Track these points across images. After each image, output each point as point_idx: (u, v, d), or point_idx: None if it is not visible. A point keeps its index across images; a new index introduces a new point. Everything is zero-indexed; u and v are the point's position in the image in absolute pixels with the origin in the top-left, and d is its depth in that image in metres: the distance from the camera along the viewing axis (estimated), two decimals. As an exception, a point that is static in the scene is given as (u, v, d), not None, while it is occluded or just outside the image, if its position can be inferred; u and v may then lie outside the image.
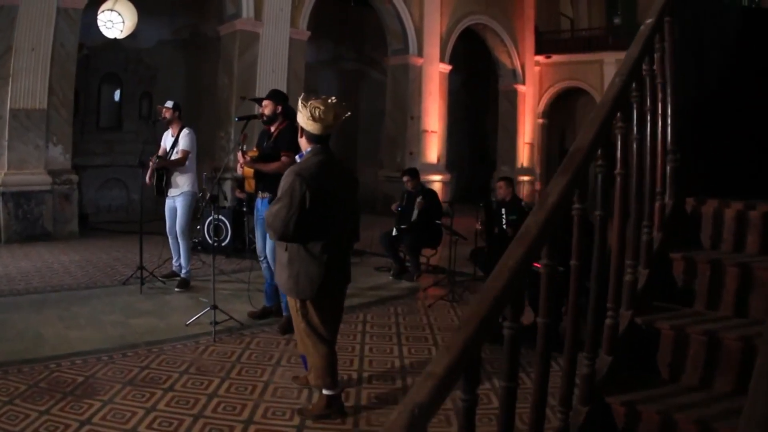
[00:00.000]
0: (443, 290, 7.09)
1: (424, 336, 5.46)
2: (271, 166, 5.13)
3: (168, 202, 6.82)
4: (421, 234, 7.78)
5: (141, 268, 6.61)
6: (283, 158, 5.12)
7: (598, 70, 19.30)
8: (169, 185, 6.73)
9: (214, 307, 5.18)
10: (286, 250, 3.48)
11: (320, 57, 16.97)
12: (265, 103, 5.33)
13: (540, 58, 20.47)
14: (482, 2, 18.12)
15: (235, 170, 9.54)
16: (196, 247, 9.05)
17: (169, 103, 6.86)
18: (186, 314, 5.62)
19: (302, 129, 3.47)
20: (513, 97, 20.18)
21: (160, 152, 6.94)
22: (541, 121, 21.05)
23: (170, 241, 6.94)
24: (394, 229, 7.93)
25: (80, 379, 4.06)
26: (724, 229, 2.86)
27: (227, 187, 11.04)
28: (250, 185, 5.35)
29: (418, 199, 7.79)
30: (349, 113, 3.56)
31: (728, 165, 3.24)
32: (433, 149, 17.00)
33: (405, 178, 8.12)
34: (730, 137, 3.39)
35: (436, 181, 16.94)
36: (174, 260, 7.03)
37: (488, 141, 22.78)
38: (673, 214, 2.90)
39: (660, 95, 2.86)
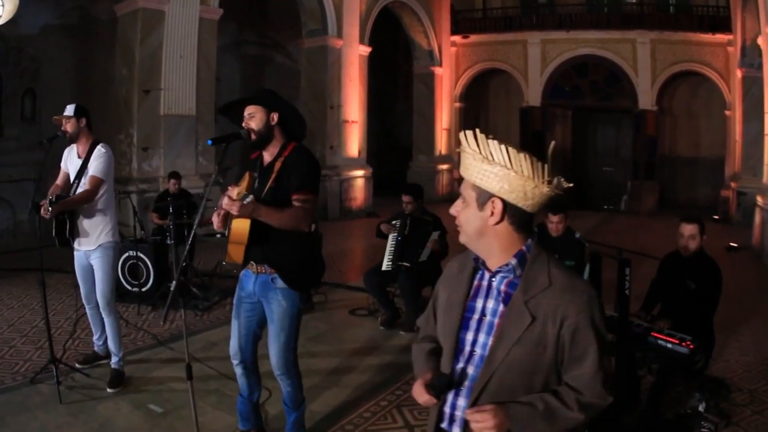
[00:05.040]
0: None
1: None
2: (283, 216, 3.08)
3: (78, 258, 4.61)
4: (424, 273, 6.07)
5: (54, 362, 4.44)
6: (297, 202, 3.13)
7: (522, 50, 18.23)
8: (76, 232, 4.49)
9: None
10: None
11: (222, 41, 14.68)
12: (249, 111, 3.21)
13: (457, 39, 19.13)
14: (400, -24, 16.49)
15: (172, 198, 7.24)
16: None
17: (69, 110, 4.51)
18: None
19: (508, 208, 1.73)
20: (429, 80, 18.76)
21: (60, 180, 4.66)
22: (458, 105, 19.79)
23: (88, 311, 4.79)
24: (387, 262, 6.15)
25: None
26: None
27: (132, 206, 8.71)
28: (236, 254, 3.19)
29: (434, 236, 6.03)
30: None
31: None
32: (354, 141, 15.30)
33: (406, 199, 6.20)
34: None
35: (359, 177, 15.34)
36: (95, 337, 4.90)
37: (399, 128, 21.36)
38: None
39: None
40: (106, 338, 4.84)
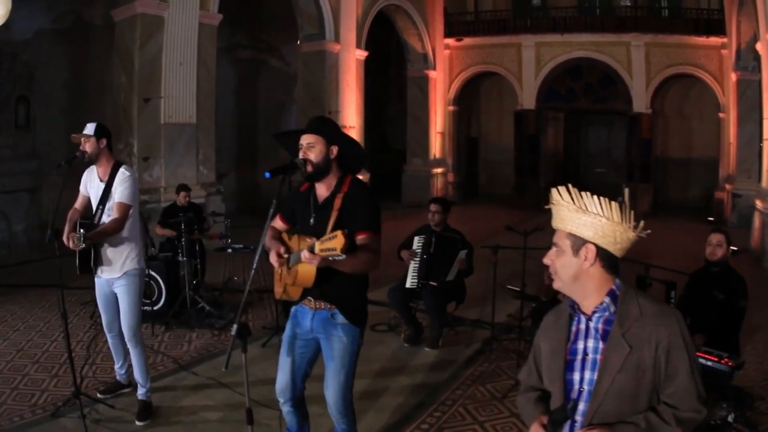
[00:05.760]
0: (488, 361, 5.55)
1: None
2: (357, 263, 2.94)
3: (100, 285, 4.38)
4: (449, 290, 5.97)
5: (78, 395, 4.23)
6: (364, 244, 2.99)
7: (516, 53, 18.16)
8: (99, 260, 4.26)
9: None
10: None
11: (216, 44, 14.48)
12: (308, 140, 3.05)
13: (450, 42, 19.04)
14: (394, -21, 16.34)
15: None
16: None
17: (90, 128, 4.26)
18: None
19: (599, 252, 1.96)
20: (424, 83, 18.65)
21: (79, 204, 4.44)
22: (452, 108, 19.69)
23: (109, 339, 4.57)
24: (411, 279, 6.00)
25: None
26: None
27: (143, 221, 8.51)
28: (294, 293, 3.13)
29: (462, 255, 5.92)
30: None
31: None
32: (351, 147, 15.11)
33: (434, 208, 6.05)
34: None
35: (356, 183, 15.15)
36: (117, 365, 4.68)
37: (392, 131, 21.22)
38: None
39: None
40: (128, 367, 4.67)
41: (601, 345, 1.95)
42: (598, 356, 1.95)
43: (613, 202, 1.95)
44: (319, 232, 2.97)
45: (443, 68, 19.18)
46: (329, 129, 3.14)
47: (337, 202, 3.06)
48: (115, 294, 4.36)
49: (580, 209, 1.95)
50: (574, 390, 1.99)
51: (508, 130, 20.05)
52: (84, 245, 3.95)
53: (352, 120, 14.91)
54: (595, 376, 1.93)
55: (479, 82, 20.59)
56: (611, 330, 1.93)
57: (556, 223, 2.02)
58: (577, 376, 1.99)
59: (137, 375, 4.39)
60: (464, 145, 21.40)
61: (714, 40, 15.85)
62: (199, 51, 10.00)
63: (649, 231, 2.00)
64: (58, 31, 10.82)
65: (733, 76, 14.83)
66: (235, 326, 2.70)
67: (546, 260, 2.05)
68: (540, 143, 18.69)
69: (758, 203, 11.28)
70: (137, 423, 4.22)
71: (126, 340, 4.36)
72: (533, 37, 17.78)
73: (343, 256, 2.72)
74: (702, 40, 16.06)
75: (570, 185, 2.02)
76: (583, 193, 1.97)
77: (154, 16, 9.28)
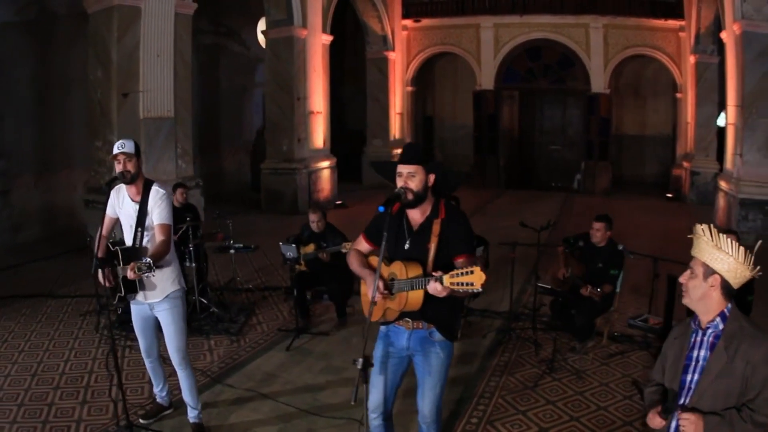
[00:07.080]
0: (508, 351, 5.75)
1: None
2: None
3: (140, 310, 4.23)
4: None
5: (131, 427, 4.08)
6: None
7: (474, 34, 18.21)
8: (142, 285, 4.09)
9: None
10: None
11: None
12: (409, 170, 3.13)
13: (408, 23, 18.93)
14: (355, -39, 16.06)
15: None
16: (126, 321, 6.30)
17: (129, 146, 4.08)
18: None
19: (723, 282, 2.43)
20: (383, 64, 18.52)
21: (106, 230, 4.21)
22: (410, 89, 19.68)
23: (148, 364, 4.45)
24: None
25: None
26: None
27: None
28: (392, 315, 3.21)
29: (478, 252, 6.00)
30: None
31: None
32: (319, 132, 14.99)
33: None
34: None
35: (324, 168, 15.06)
36: (157, 388, 4.56)
37: (349, 112, 21.06)
38: None
39: None
40: (169, 389, 4.56)
41: (708, 354, 2.43)
42: (706, 363, 2.43)
43: (741, 246, 2.41)
44: (415, 256, 3.14)
45: (401, 49, 19.10)
46: (427, 158, 3.20)
47: (436, 228, 3.15)
48: (156, 318, 4.23)
49: (716, 246, 2.40)
50: (685, 388, 2.47)
51: (463, 109, 20.21)
52: (154, 273, 3.77)
53: (319, 105, 14.71)
54: (700, 378, 2.43)
55: (434, 62, 20.61)
56: (717, 343, 2.41)
57: (695, 251, 2.48)
58: (689, 378, 2.47)
59: (187, 397, 4.29)
60: (420, 125, 21.46)
61: (672, 23, 16.25)
62: (176, 42, 9.61)
63: (761, 273, 2.50)
64: (22, 24, 10.14)
65: (692, 59, 15.30)
66: (360, 360, 2.75)
67: (682, 279, 2.51)
68: (499, 122, 18.89)
69: (723, 184, 11.74)
70: (195, 449, 4.12)
71: (175, 364, 4.25)
72: (492, 18, 17.83)
73: (481, 290, 2.80)
74: (660, 22, 16.45)
75: (711, 225, 2.46)
76: (721, 234, 2.42)
77: (130, 7, 8.83)
